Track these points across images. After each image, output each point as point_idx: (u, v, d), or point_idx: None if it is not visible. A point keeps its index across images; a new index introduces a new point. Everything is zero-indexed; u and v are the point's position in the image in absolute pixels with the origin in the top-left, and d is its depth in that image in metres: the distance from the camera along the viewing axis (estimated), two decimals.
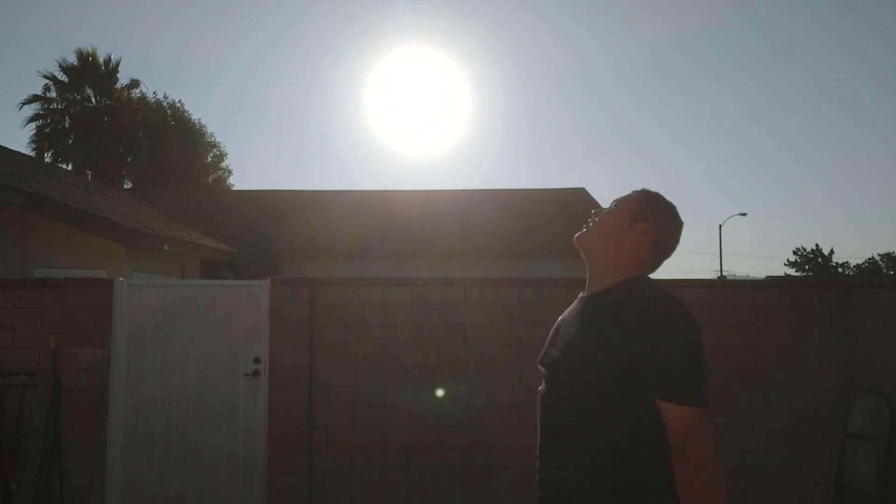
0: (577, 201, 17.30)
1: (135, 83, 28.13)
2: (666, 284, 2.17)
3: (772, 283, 6.65)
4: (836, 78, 70.43)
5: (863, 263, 42.77)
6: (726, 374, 4.99)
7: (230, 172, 31.52)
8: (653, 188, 1.84)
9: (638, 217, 1.73)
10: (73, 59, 26.77)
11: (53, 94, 26.80)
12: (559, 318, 1.82)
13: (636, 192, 1.82)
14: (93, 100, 27.29)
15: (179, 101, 29.13)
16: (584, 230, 1.80)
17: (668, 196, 1.81)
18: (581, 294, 1.79)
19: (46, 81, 26.39)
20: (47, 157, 25.28)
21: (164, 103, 28.84)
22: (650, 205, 1.77)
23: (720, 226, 34.27)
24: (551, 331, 1.81)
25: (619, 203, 1.79)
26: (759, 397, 4.99)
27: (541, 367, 1.78)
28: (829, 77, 70.08)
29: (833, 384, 4.95)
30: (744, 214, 33.72)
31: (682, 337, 1.55)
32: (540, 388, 1.77)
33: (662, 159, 76.77)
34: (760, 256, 76.47)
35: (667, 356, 1.52)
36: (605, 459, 1.56)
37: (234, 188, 28.76)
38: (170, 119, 28.55)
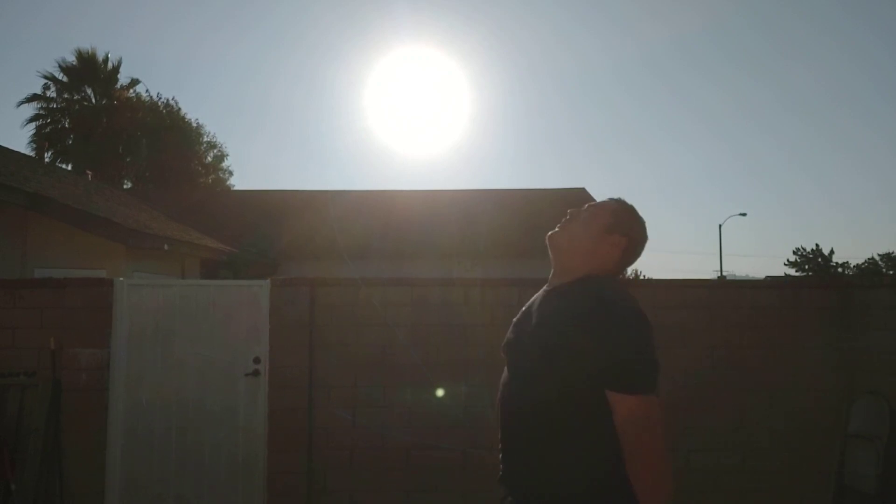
0: (577, 201, 17.26)
1: (134, 81, 28.15)
2: (627, 283, 2.20)
3: (772, 283, 6.66)
4: (836, 78, 70.44)
5: (863, 263, 42.80)
6: (726, 374, 4.99)
7: (230, 173, 31.51)
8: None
9: (613, 229, 1.80)
10: (72, 59, 26.83)
11: (53, 94, 26.84)
12: (522, 308, 1.86)
13: (612, 201, 1.88)
14: (92, 99, 27.31)
15: (174, 100, 28.99)
16: (558, 230, 1.85)
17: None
18: (546, 287, 1.84)
19: (46, 81, 26.45)
20: (47, 157, 25.28)
21: (159, 102, 28.75)
22: (626, 218, 1.84)
23: (720, 226, 34.24)
24: (514, 319, 1.86)
25: (596, 211, 1.84)
26: (759, 397, 4.99)
27: (503, 354, 1.84)
28: (829, 77, 70.09)
29: (833, 384, 4.95)
30: (744, 214, 33.71)
31: (629, 329, 1.60)
32: (502, 377, 1.81)
33: (662, 159, 76.73)
34: (760, 256, 76.46)
35: (614, 347, 1.56)
36: (566, 455, 1.59)
37: (235, 188, 28.75)
38: (165, 118, 28.52)
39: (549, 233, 1.85)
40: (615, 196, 1.90)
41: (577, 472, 1.58)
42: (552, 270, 1.84)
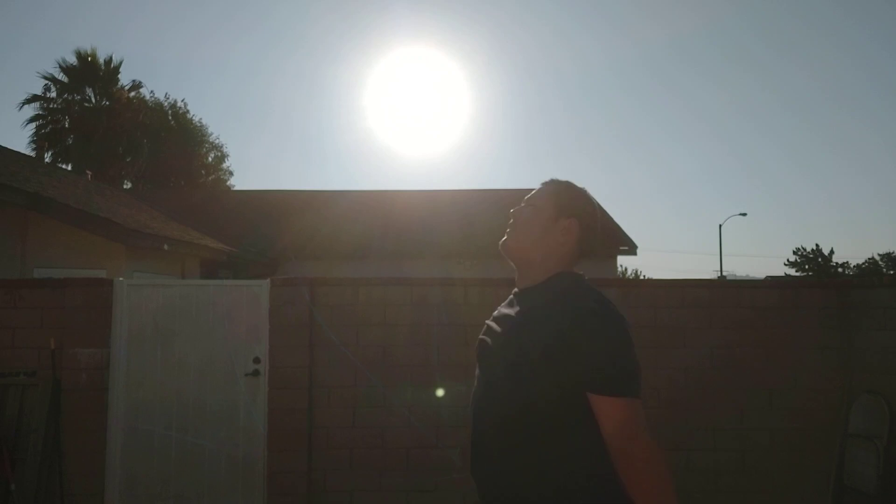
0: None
1: (137, 84, 28.18)
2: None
3: (772, 283, 6.64)
4: (836, 78, 70.44)
5: (863, 263, 42.80)
6: (726, 374, 4.99)
7: (231, 173, 31.56)
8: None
9: (559, 214, 1.72)
10: (73, 60, 26.82)
11: (53, 95, 26.84)
12: (493, 314, 1.80)
13: (548, 185, 1.80)
14: (93, 100, 27.31)
15: (182, 101, 29.20)
16: (507, 236, 1.78)
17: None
18: (514, 290, 1.79)
19: (46, 82, 26.47)
20: (47, 157, 25.32)
21: (166, 103, 28.86)
22: (569, 198, 1.75)
23: (720, 226, 34.24)
24: (484, 325, 1.79)
25: (536, 201, 1.77)
26: (759, 397, 4.99)
27: (476, 358, 1.78)
28: (828, 77, 70.11)
29: (833, 384, 4.95)
30: (744, 214, 33.68)
31: (608, 330, 1.52)
32: (474, 387, 1.75)
33: (662, 159, 76.79)
34: (760, 256, 76.48)
35: (595, 348, 1.50)
36: (542, 462, 1.54)
37: (235, 188, 28.78)
38: (170, 119, 28.57)
39: (501, 241, 1.78)
40: (556, 178, 1.81)
41: (554, 479, 1.53)
42: (517, 275, 1.78)
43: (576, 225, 1.71)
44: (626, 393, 1.49)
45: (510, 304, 1.76)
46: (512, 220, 1.78)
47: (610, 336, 1.52)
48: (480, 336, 1.78)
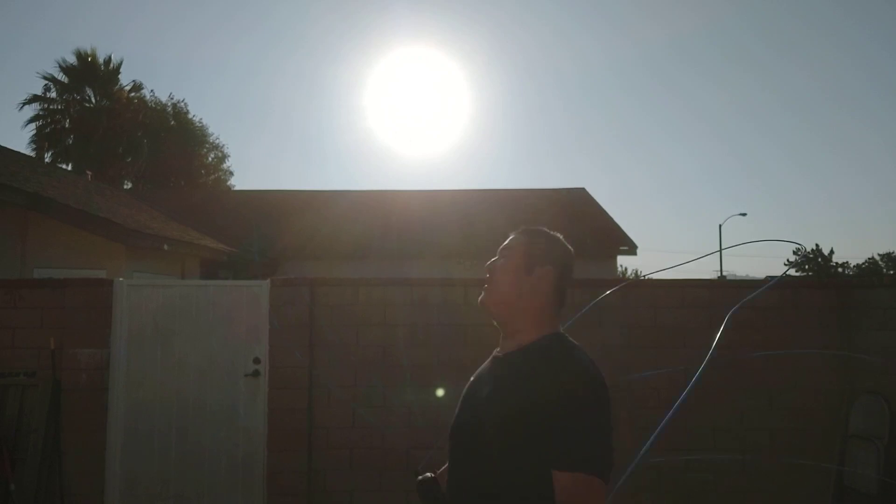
0: (577, 201, 17.31)
1: (137, 85, 28.19)
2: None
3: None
4: (835, 78, 70.40)
5: (863, 263, 42.80)
6: (726, 374, 4.99)
7: (231, 174, 31.57)
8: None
9: (534, 263, 1.69)
10: (72, 60, 26.82)
11: (53, 95, 26.84)
12: (471, 378, 1.76)
13: (520, 235, 1.77)
14: (92, 100, 27.31)
15: (183, 101, 29.20)
16: (485, 292, 1.74)
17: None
18: (496, 351, 1.74)
19: (46, 82, 26.47)
20: (47, 158, 25.32)
21: (168, 104, 28.88)
22: (542, 247, 1.73)
23: (720, 226, 34.25)
24: (463, 393, 1.74)
25: (510, 255, 1.74)
26: (759, 397, 4.99)
27: (450, 439, 1.70)
28: (828, 77, 70.06)
29: (833, 384, 4.95)
30: (744, 214, 33.68)
31: (581, 402, 1.46)
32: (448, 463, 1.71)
33: (662, 159, 76.75)
34: (760, 256, 76.50)
35: (564, 421, 1.44)
36: None
37: (235, 188, 28.79)
38: (171, 119, 28.58)
39: (480, 298, 1.74)
40: (528, 227, 1.80)
41: None
42: (501, 335, 1.72)
43: (551, 273, 1.69)
44: (588, 469, 1.42)
45: (487, 370, 1.71)
46: (488, 275, 1.75)
47: (589, 413, 1.46)
48: (458, 411, 1.71)
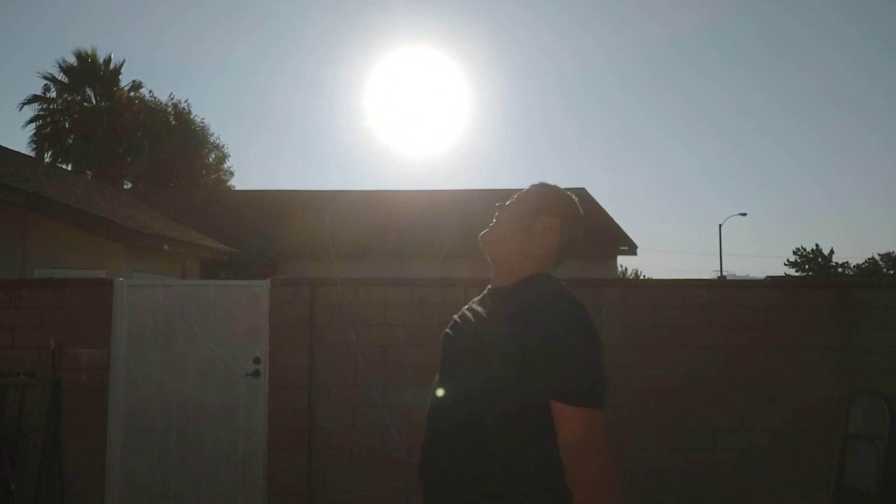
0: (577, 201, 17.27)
1: (137, 85, 28.19)
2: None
3: (772, 283, 6.64)
4: (835, 78, 70.45)
5: (863, 263, 42.83)
6: (726, 374, 4.99)
7: (231, 174, 31.58)
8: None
9: (542, 210, 1.71)
10: (73, 60, 26.81)
11: (53, 95, 26.84)
12: (463, 308, 1.77)
13: (537, 185, 1.80)
14: (93, 100, 27.31)
15: (186, 102, 29.24)
16: (489, 229, 1.76)
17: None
18: (488, 287, 1.76)
19: (46, 82, 26.46)
20: (47, 158, 25.31)
21: (169, 104, 28.90)
22: (553, 197, 1.75)
23: (720, 226, 34.29)
24: (451, 320, 1.76)
25: (521, 197, 1.77)
26: (759, 397, 4.99)
27: (441, 350, 1.73)
28: (828, 77, 70.11)
29: (833, 384, 4.95)
30: (744, 214, 33.71)
31: (585, 341, 1.49)
32: (434, 383, 1.72)
33: (662, 159, 76.79)
34: (760, 256, 76.45)
35: (570, 358, 1.46)
36: (494, 470, 1.51)
37: (235, 189, 28.80)
38: (171, 119, 28.59)
39: (482, 233, 1.76)
40: (546, 181, 1.82)
41: (504, 488, 1.50)
42: (493, 272, 1.74)
43: (558, 224, 1.70)
44: (591, 404, 1.45)
45: (482, 303, 1.72)
46: (497, 214, 1.77)
47: (586, 347, 1.49)
48: (446, 330, 1.74)
